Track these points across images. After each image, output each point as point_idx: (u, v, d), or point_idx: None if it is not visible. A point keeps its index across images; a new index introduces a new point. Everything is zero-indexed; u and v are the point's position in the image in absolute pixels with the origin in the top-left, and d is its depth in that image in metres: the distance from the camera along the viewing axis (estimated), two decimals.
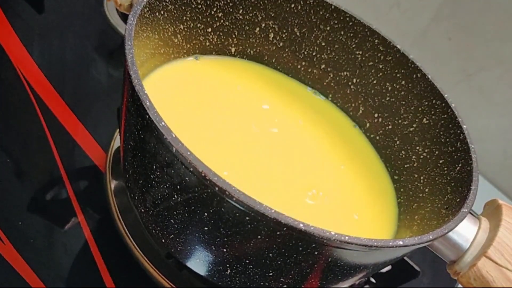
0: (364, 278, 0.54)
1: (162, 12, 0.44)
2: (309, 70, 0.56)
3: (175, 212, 0.35)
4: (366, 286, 0.55)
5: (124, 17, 0.54)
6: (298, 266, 0.34)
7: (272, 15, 0.52)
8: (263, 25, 0.53)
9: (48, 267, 0.45)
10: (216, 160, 0.42)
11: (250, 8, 0.51)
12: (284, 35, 0.54)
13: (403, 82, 0.51)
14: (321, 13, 0.52)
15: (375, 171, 0.53)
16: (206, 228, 0.33)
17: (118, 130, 0.56)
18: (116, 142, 0.55)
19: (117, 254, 0.48)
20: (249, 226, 0.30)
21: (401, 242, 0.32)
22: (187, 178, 0.31)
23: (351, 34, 0.52)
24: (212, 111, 0.49)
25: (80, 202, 0.50)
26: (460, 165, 0.43)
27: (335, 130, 0.55)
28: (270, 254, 0.33)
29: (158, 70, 0.49)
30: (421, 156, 0.49)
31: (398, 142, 0.52)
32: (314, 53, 0.55)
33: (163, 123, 0.30)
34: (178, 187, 0.32)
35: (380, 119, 0.54)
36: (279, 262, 0.33)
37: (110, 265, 0.47)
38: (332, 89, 0.56)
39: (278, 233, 0.30)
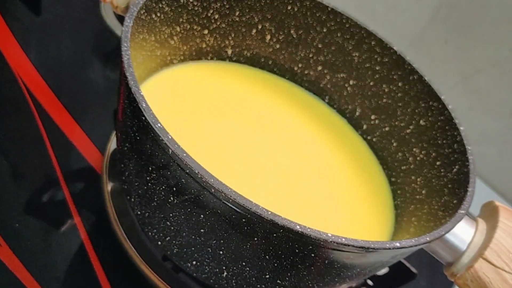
0: (361, 280, 0.54)
1: (158, 14, 0.44)
2: (306, 72, 0.56)
3: (171, 214, 0.35)
4: None
5: (121, 19, 0.54)
6: (294, 268, 0.34)
7: (269, 17, 0.52)
8: (260, 27, 0.53)
9: (44, 269, 0.45)
10: (212, 162, 0.42)
11: (247, 10, 0.51)
12: (280, 37, 0.54)
13: (399, 84, 0.51)
14: (317, 15, 0.52)
15: (372, 172, 0.53)
16: (202, 230, 0.33)
17: (114, 131, 0.56)
18: (113, 144, 0.55)
19: (114, 256, 0.48)
20: (245, 228, 0.30)
21: (398, 244, 0.32)
22: (183, 180, 0.31)
23: (348, 36, 0.53)
24: (209, 114, 0.49)
25: (76, 204, 0.50)
26: (457, 167, 0.43)
27: (331, 132, 0.55)
28: (267, 256, 0.33)
29: (155, 75, 0.49)
30: (418, 158, 0.49)
31: (395, 144, 0.52)
32: (310, 55, 0.55)
33: (159, 125, 0.30)
34: (175, 189, 0.32)
35: (377, 121, 0.54)
36: (275, 264, 0.33)
37: (106, 267, 0.47)
38: (329, 91, 0.57)
39: (274, 235, 0.30)
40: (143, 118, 0.30)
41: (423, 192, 0.47)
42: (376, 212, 0.49)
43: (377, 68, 0.52)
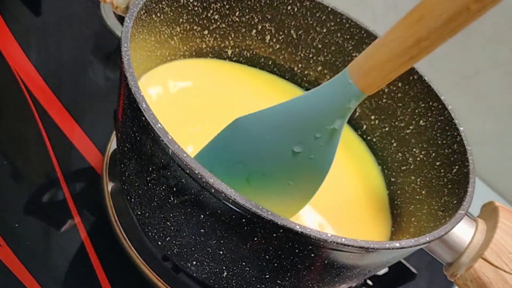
0: (361, 280, 0.54)
1: (158, 15, 0.44)
2: (306, 72, 0.56)
3: (171, 214, 0.35)
4: None
5: (121, 20, 0.54)
6: (294, 268, 0.34)
7: (269, 17, 0.52)
8: (260, 27, 0.53)
9: (44, 269, 0.45)
10: None
11: (247, 10, 0.51)
12: (280, 37, 0.54)
13: (399, 84, 0.51)
14: (317, 15, 0.52)
15: (369, 173, 0.53)
16: (202, 230, 0.33)
17: (114, 132, 0.56)
18: (113, 144, 0.55)
19: (114, 257, 0.48)
20: (245, 228, 0.30)
21: (397, 244, 0.32)
22: (183, 180, 0.31)
23: (348, 36, 0.53)
24: (208, 115, 0.49)
25: (76, 204, 0.50)
26: (457, 167, 0.43)
27: None
28: (267, 256, 0.33)
29: (155, 69, 0.49)
30: (418, 158, 0.49)
31: (394, 144, 0.52)
32: (310, 55, 0.55)
33: (159, 125, 0.30)
34: (175, 189, 0.32)
35: (376, 121, 0.54)
36: (275, 264, 0.33)
37: (106, 267, 0.47)
38: None
39: (274, 235, 0.30)
40: (143, 118, 0.30)
41: (423, 192, 0.47)
42: (374, 213, 0.49)
43: None
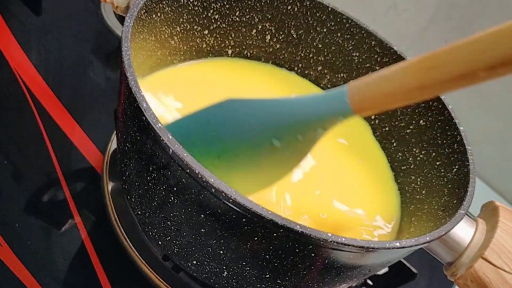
0: (361, 280, 0.54)
1: (158, 14, 0.44)
2: (306, 72, 0.56)
3: (171, 214, 0.35)
4: None
5: (121, 19, 0.54)
6: (295, 268, 0.34)
7: (269, 17, 0.52)
8: (260, 27, 0.53)
9: (45, 269, 0.45)
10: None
11: (247, 10, 0.51)
12: (281, 37, 0.54)
13: None
14: (317, 14, 0.52)
15: (381, 170, 0.53)
16: (202, 230, 0.33)
17: (115, 131, 0.56)
18: (114, 143, 0.55)
19: (114, 256, 0.48)
20: (245, 227, 0.30)
21: (397, 244, 0.32)
22: (183, 180, 0.31)
23: (348, 36, 0.53)
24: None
25: (77, 203, 0.50)
26: (457, 167, 0.43)
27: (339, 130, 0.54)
28: (267, 256, 0.33)
29: (157, 72, 0.49)
30: (418, 158, 0.49)
31: (395, 144, 0.52)
32: (311, 55, 0.55)
33: (159, 125, 0.30)
34: (175, 188, 0.32)
35: (377, 121, 0.54)
36: (275, 264, 0.33)
37: (107, 267, 0.47)
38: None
39: (274, 234, 0.30)
40: (144, 118, 0.30)
41: (423, 192, 0.47)
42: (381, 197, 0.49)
43: (377, 68, 0.52)
